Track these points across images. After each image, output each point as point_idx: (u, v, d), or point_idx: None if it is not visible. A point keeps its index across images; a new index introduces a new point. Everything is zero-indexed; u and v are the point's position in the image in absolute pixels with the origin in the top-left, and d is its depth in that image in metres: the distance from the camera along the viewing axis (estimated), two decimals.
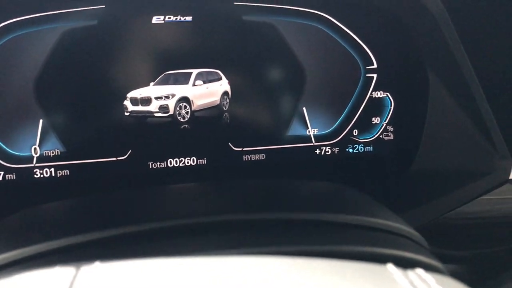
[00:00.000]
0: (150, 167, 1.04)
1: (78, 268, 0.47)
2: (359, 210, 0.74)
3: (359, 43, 1.08)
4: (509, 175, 1.08)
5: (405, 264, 0.51)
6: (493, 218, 1.03)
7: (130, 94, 1.00)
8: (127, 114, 1.00)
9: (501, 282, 0.90)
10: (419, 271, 0.48)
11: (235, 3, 1.01)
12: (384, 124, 1.14)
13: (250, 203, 0.78)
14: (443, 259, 1.03)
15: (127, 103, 1.00)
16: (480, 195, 1.05)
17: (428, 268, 0.52)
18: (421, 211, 1.02)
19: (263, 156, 1.09)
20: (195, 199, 0.83)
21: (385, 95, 1.12)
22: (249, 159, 1.08)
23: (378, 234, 0.66)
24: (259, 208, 0.72)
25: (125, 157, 1.02)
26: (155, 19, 0.99)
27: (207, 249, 0.55)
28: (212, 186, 0.93)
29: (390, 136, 1.15)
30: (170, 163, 1.04)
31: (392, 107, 1.13)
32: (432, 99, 1.06)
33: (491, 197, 1.02)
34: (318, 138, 1.11)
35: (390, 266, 0.49)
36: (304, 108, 1.09)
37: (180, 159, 1.05)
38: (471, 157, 1.08)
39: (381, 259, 0.52)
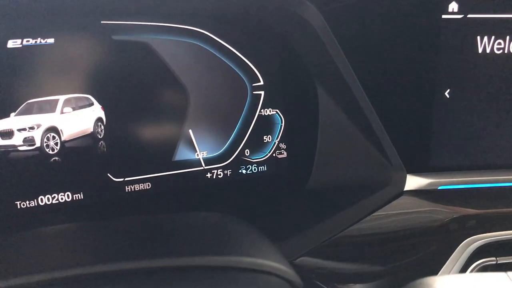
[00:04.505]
0: (19, 206, 0.92)
1: None
2: (235, 247, 0.71)
3: (243, 60, 1.03)
4: (404, 186, 1.07)
5: None
6: (385, 234, 1.02)
7: None
8: None
9: None
10: None
11: (102, 21, 0.93)
12: (276, 142, 1.10)
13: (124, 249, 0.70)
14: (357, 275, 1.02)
15: None
16: (379, 208, 1.03)
17: None
18: (321, 227, 0.98)
19: (148, 185, 1.01)
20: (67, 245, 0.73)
21: (274, 112, 1.08)
22: (133, 189, 0.99)
23: (248, 275, 0.64)
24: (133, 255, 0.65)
25: None
26: (11, 43, 0.88)
27: None
28: (84, 227, 0.84)
29: (283, 154, 1.11)
30: (42, 201, 0.94)
31: (283, 124, 1.09)
32: (322, 114, 1.03)
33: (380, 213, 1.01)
34: (208, 161, 1.05)
35: None
36: (190, 131, 1.03)
37: (53, 196, 0.94)
38: (367, 171, 1.07)
39: None
